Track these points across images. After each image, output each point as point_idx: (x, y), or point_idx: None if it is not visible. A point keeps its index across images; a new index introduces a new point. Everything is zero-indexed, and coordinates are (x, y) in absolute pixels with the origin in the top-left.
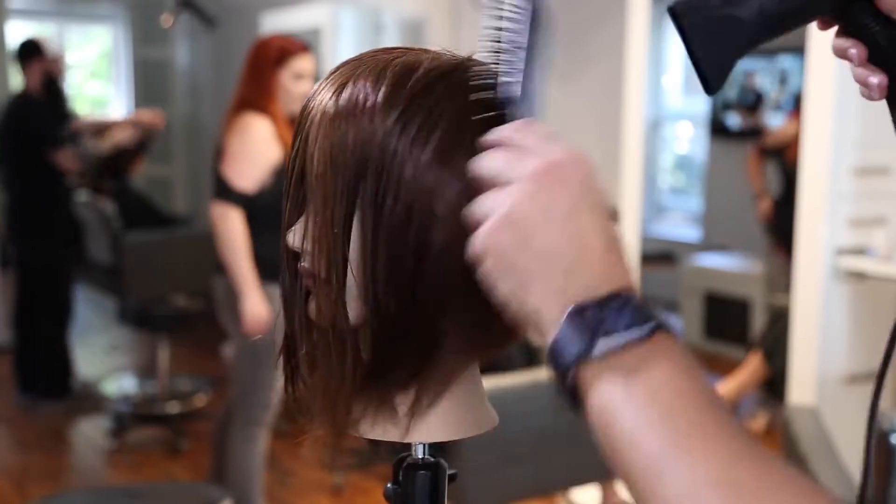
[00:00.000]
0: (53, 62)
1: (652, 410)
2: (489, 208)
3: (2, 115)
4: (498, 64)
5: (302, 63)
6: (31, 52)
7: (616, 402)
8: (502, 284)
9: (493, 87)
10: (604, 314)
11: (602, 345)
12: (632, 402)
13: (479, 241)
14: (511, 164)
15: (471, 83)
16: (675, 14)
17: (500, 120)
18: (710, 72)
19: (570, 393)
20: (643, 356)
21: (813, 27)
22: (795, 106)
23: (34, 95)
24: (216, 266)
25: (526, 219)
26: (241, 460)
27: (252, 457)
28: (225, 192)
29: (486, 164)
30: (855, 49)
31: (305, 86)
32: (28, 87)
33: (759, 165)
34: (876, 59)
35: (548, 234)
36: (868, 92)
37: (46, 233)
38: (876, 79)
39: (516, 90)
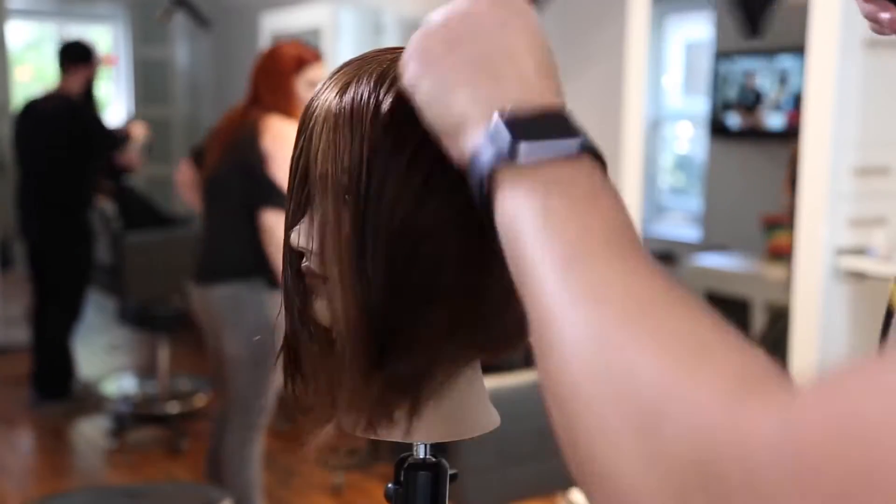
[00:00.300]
0: (96, 67)
1: (559, 223)
2: (425, 23)
3: (43, 117)
4: None
5: (317, 72)
6: (81, 56)
7: (527, 210)
8: (427, 88)
9: None
10: (531, 123)
11: (525, 150)
12: (540, 213)
13: (409, 47)
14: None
15: None
16: None
17: None
18: (756, 20)
19: (484, 202)
20: (565, 171)
21: (814, 27)
22: (796, 106)
23: (75, 98)
24: (217, 273)
25: (457, 27)
26: (239, 464)
27: (251, 461)
28: (277, 197)
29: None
30: None
31: None
32: (67, 90)
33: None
34: None
35: (479, 42)
36: (879, 28)
37: (85, 235)
38: (887, 14)
39: None
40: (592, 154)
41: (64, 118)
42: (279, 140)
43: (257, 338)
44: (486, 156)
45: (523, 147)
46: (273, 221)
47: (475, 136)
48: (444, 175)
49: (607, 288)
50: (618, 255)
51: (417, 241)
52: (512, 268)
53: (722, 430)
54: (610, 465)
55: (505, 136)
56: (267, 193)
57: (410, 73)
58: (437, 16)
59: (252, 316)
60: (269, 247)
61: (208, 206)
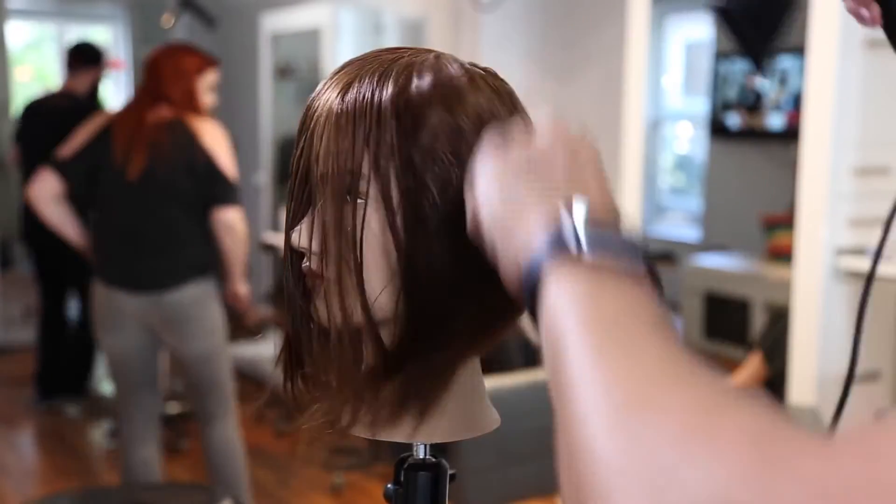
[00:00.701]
0: (104, 70)
1: (601, 322)
2: (513, 133)
3: (53, 114)
4: None
5: (215, 76)
6: (90, 58)
7: (566, 305)
8: (495, 214)
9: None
10: (599, 227)
11: (593, 248)
12: (584, 309)
13: (478, 171)
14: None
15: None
16: (721, 8)
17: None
18: (760, 57)
19: (530, 286)
20: (619, 278)
21: (814, 27)
22: (796, 106)
23: (82, 99)
24: (183, 275)
25: (545, 149)
26: (239, 448)
27: (240, 446)
28: (235, 194)
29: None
30: None
31: (213, 99)
32: (73, 89)
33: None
34: None
35: (550, 169)
36: (862, 21)
37: None
38: (867, 12)
39: None
40: (649, 274)
41: (75, 116)
42: (218, 139)
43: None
44: (561, 239)
45: (590, 246)
46: (234, 218)
47: (543, 224)
48: (452, 173)
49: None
50: (647, 353)
51: (428, 240)
52: (546, 367)
53: (741, 491)
54: None
55: (578, 230)
56: (223, 192)
57: (482, 189)
58: (509, 146)
59: (215, 308)
60: (231, 242)
61: (145, 210)
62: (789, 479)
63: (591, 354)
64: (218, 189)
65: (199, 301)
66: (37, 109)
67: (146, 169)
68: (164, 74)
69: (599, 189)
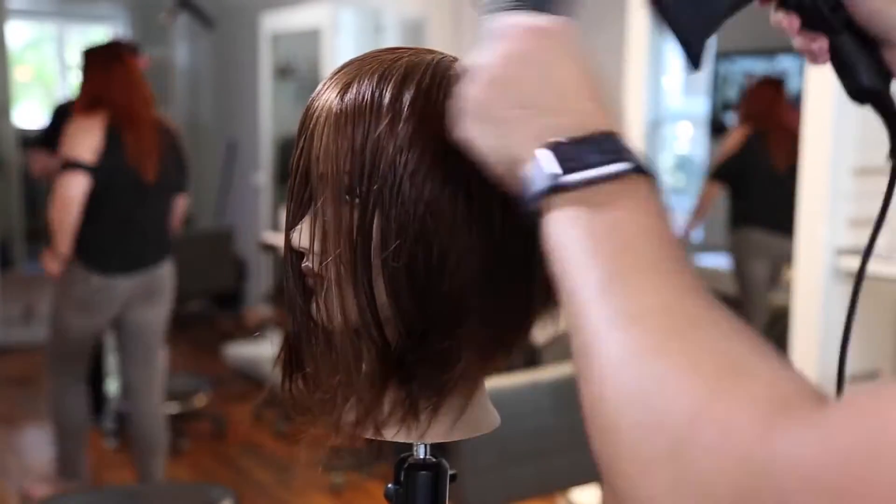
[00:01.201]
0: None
1: (601, 243)
2: (471, 68)
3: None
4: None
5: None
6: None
7: (568, 232)
8: (483, 139)
9: None
10: (580, 150)
11: (570, 176)
12: (583, 234)
13: (458, 101)
14: (495, 37)
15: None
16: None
17: None
18: (695, 48)
19: (536, 223)
20: (610, 193)
21: None
22: (796, 106)
23: None
24: (166, 252)
25: (506, 70)
26: (163, 421)
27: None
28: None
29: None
30: (789, 18)
31: None
32: None
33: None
34: (811, 24)
35: (528, 82)
36: (813, 58)
37: None
38: (816, 44)
39: None
40: (643, 173)
41: None
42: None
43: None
44: (536, 183)
45: (568, 176)
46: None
47: (527, 170)
48: (452, 173)
49: (643, 307)
50: (658, 274)
51: (428, 241)
52: (561, 296)
53: (754, 455)
54: (644, 493)
55: (552, 164)
56: (186, 182)
57: (465, 127)
58: (481, 60)
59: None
60: (180, 223)
61: (155, 200)
62: (799, 443)
63: (604, 295)
64: (184, 179)
65: (171, 273)
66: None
67: (160, 170)
68: (139, 76)
69: (586, 97)
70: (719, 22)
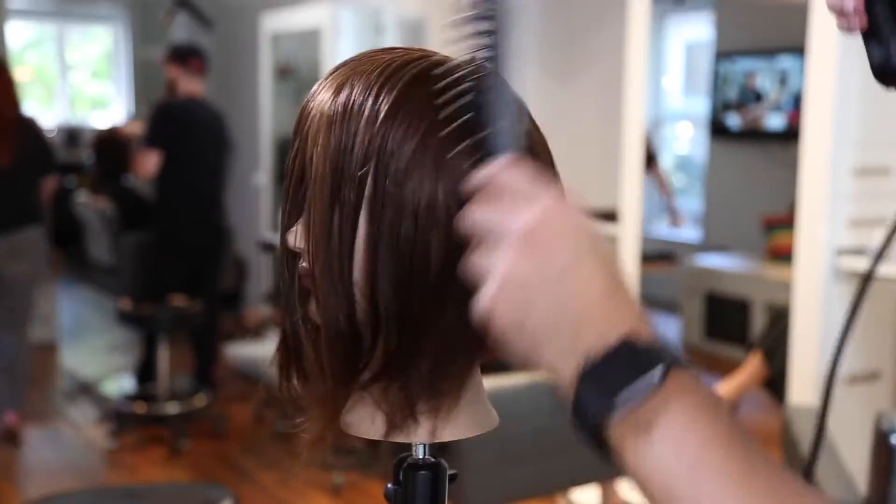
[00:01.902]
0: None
1: (679, 465)
2: (486, 269)
3: (221, 122)
4: (476, 67)
5: None
6: (203, 59)
7: (645, 462)
8: (513, 345)
9: (472, 89)
10: (614, 368)
11: (619, 402)
12: (659, 460)
13: (482, 307)
14: (501, 217)
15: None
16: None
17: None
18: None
19: (602, 449)
20: (661, 404)
21: (814, 27)
22: (796, 106)
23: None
24: (31, 216)
25: (523, 283)
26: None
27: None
28: None
29: (476, 216)
30: None
31: None
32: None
33: None
34: None
35: (547, 296)
36: (845, 23)
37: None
38: (851, 2)
39: (496, 97)
40: (677, 365)
41: (225, 126)
42: None
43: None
44: (587, 415)
45: (616, 403)
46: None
47: (570, 390)
48: (445, 174)
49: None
50: (738, 480)
51: (419, 242)
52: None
53: None
54: None
55: (595, 394)
56: (51, 167)
57: (496, 333)
58: (497, 264)
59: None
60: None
61: (11, 180)
62: None
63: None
64: (48, 165)
65: (38, 236)
66: (195, 116)
67: (16, 156)
68: (9, 83)
69: (607, 296)
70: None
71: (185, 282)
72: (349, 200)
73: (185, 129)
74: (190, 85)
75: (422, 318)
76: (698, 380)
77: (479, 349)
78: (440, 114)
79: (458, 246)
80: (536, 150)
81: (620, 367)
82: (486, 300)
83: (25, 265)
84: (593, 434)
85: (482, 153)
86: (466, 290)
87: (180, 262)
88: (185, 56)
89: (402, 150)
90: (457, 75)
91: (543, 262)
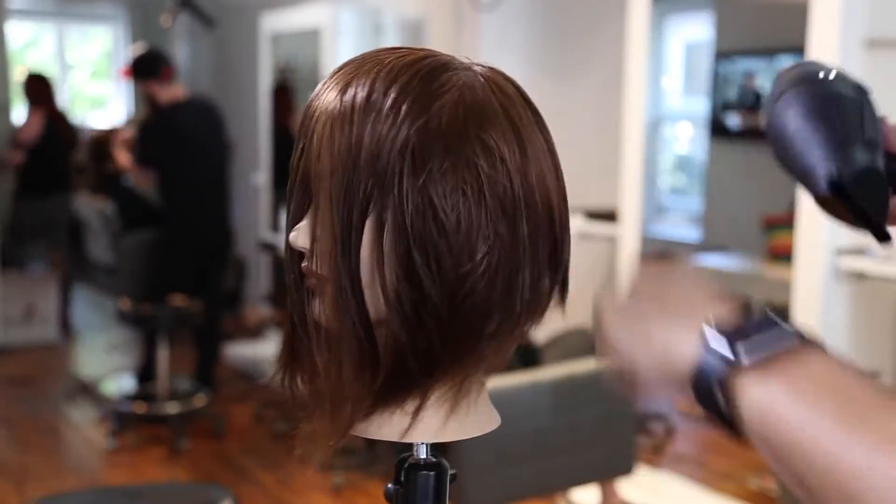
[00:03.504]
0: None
1: (818, 400)
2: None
3: (213, 115)
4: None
5: None
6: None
7: (780, 401)
8: (635, 343)
9: None
10: (746, 327)
11: (751, 352)
12: (798, 397)
13: (606, 328)
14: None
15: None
16: (844, 185)
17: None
18: (882, 223)
19: (718, 412)
20: (796, 358)
21: (814, 27)
22: None
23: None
24: None
25: (648, 287)
26: None
27: None
28: None
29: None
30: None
31: None
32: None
33: None
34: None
35: (664, 298)
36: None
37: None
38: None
39: None
40: (809, 342)
41: (223, 126)
42: None
43: None
44: (711, 366)
45: (747, 353)
46: None
47: (689, 352)
48: (450, 174)
49: (893, 433)
50: (884, 405)
51: (425, 242)
52: (778, 459)
53: None
54: None
55: (723, 343)
56: None
57: (615, 346)
58: (628, 290)
59: None
60: None
61: None
62: None
63: (852, 437)
64: None
65: None
66: (184, 120)
67: None
68: None
69: (711, 299)
70: (888, 200)
71: (190, 282)
72: (358, 199)
73: (173, 138)
74: (169, 92)
75: (426, 319)
76: (834, 353)
77: (481, 353)
78: (446, 113)
79: (467, 245)
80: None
81: (752, 326)
82: (617, 306)
83: None
84: (712, 389)
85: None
86: (475, 292)
87: (187, 263)
88: (154, 67)
89: (408, 149)
90: None
91: (665, 283)
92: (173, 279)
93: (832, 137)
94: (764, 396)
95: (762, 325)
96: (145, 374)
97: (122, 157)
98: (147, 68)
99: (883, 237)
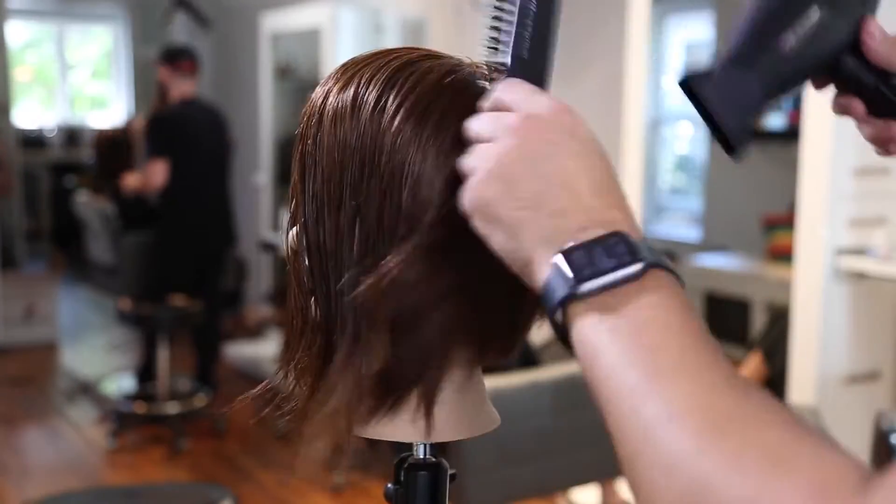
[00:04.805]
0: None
1: (633, 345)
2: (474, 164)
3: (219, 119)
4: (496, 37)
5: None
6: (195, 60)
7: (599, 338)
8: (494, 237)
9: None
10: (592, 255)
11: (588, 284)
12: (614, 338)
13: (465, 197)
14: (495, 120)
15: (473, 82)
16: (690, 85)
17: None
18: (733, 135)
19: (561, 333)
20: (630, 294)
21: None
22: (796, 106)
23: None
24: None
25: (509, 169)
26: None
27: None
28: None
29: (473, 125)
30: (852, 104)
31: None
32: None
33: None
34: (877, 110)
35: (531, 182)
36: (885, 151)
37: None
38: (890, 131)
39: (510, 56)
40: (659, 267)
41: (225, 126)
42: None
43: None
44: (556, 293)
45: (585, 284)
46: None
47: (542, 276)
48: (446, 175)
49: (682, 408)
50: (693, 372)
51: (420, 242)
52: (596, 398)
53: None
54: None
55: (567, 274)
56: None
57: (478, 226)
58: (484, 153)
59: None
60: None
61: None
62: None
63: (644, 400)
64: None
65: None
66: (190, 118)
67: None
68: None
69: (595, 192)
70: (755, 112)
71: (189, 283)
72: (353, 199)
73: (182, 133)
74: (181, 87)
75: (418, 322)
76: (677, 283)
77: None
78: (445, 113)
79: (463, 245)
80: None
81: (597, 256)
82: (470, 188)
83: None
84: (553, 316)
85: None
86: (465, 297)
87: (186, 264)
88: (175, 57)
89: (405, 150)
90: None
91: (531, 150)
92: (171, 279)
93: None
94: (589, 330)
95: (613, 246)
96: (145, 373)
97: (132, 180)
98: (168, 55)
99: (729, 148)
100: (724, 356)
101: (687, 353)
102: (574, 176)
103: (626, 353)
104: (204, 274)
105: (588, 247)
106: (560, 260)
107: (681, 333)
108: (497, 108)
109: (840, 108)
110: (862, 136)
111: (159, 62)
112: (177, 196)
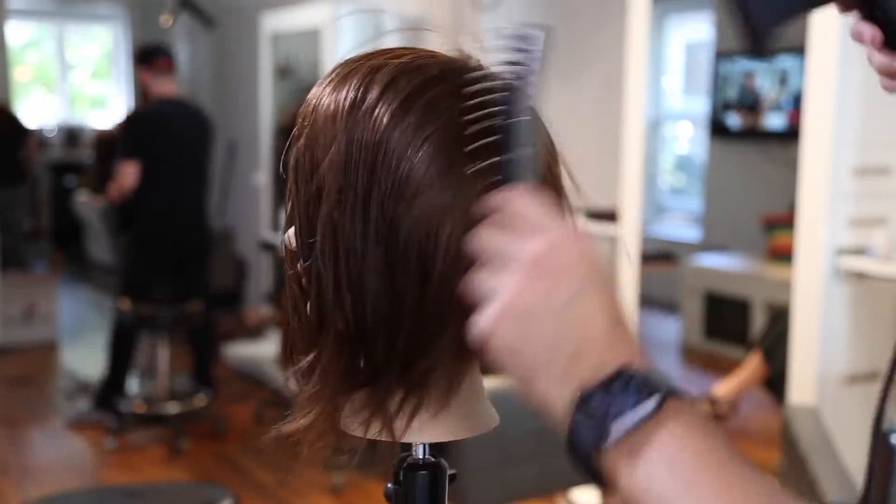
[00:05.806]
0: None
1: (675, 483)
2: (490, 290)
3: (199, 119)
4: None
5: None
6: (171, 59)
7: (641, 484)
8: (506, 363)
9: (497, 93)
10: (611, 397)
11: (615, 430)
12: (654, 481)
13: (482, 328)
14: (511, 242)
15: (472, 84)
16: None
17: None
18: (761, 32)
19: (596, 477)
20: (656, 430)
21: (814, 27)
22: (796, 106)
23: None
24: None
25: (526, 310)
26: None
27: None
28: None
29: (485, 239)
30: (871, 32)
31: None
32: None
33: None
34: (894, 43)
35: (549, 325)
36: (891, 83)
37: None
38: (869, 32)
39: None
40: (673, 395)
41: (197, 119)
42: None
43: None
44: (581, 444)
45: (612, 431)
46: None
47: (563, 420)
48: (443, 175)
49: None
50: (736, 491)
51: (416, 242)
52: None
53: None
54: None
55: (590, 423)
56: None
57: (494, 354)
58: (502, 284)
59: None
60: None
61: None
62: None
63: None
64: None
65: None
66: (166, 117)
67: None
68: None
69: (608, 329)
70: (792, 16)
71: (165, 284)
72: (347, 199)
73: (157, 133)
74: (161, 86)
75: (416, 324)
76: (693, 406)
77: (476, 357)
78: (444, 112)
79: (456, 251)
80: (552, 180)
81: (616, 397)
82: (487, 321)
83: None
84: (588, 462)
85: (493, 169)
86: (459, 298)
87: (163, 265)
88: (149, 57)
89: (401, 150)
90: (487, 92)
91: (549, 290)
92: (149, 279)
93: None
94: (641, 474)
95: (630, 381)
96: (114, 384)
97: (112, 190)
98: (143, 55)
99: (753, 43)
100: (758, 472)
101: (723, 478)
102: (590, 317)
103: (668, 495)
104: (186, 275)
105: (606, 386)
106: (581, 406)
107: (712, 459)
108: (510, 218)
109: (857, 35)
110: (870, 64)
111: (135, 64)
112: (149, 196)
